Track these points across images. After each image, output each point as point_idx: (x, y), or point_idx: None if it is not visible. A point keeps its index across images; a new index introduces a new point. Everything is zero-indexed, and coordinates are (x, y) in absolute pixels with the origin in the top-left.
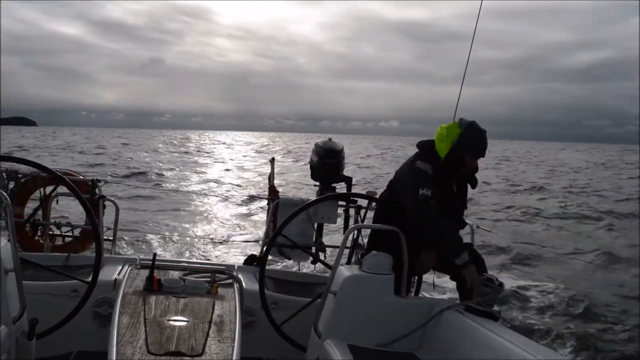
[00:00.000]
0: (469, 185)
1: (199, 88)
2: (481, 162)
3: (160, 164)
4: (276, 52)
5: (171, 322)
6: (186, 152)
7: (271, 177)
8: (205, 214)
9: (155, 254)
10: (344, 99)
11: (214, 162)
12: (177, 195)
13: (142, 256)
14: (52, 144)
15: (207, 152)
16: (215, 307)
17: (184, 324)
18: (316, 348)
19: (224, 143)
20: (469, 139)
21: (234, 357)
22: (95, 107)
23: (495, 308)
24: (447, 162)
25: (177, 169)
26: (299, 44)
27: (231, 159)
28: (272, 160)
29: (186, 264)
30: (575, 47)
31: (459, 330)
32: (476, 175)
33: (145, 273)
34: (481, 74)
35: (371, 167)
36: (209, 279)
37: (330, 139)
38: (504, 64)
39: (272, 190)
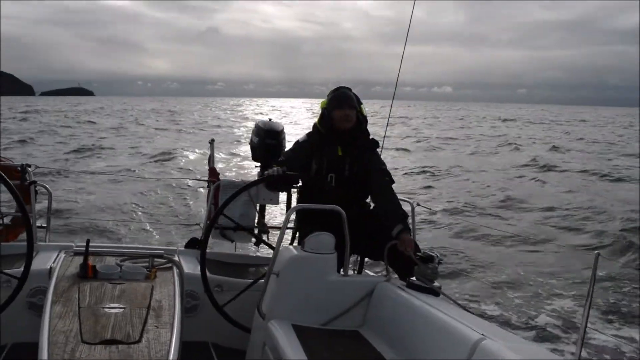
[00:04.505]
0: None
1: (247, 55)
2: None
3: None
4: (322, 17)
5: (106, 310)
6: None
7: (211, 159)
8: (147, 198)
9: (88, 240)
10: (394, 64)
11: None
12: (118, 179)
13: (80, 243)
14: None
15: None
16: (154, 293)
17: (120, 310)
18: (260, 329)
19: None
20: (331, 97)
21: (173, 342)
22: (151, 77)
23: (436, 284)
24: (321, 124)
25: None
26: (345, 9)
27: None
28: (212, 142)
29: (123, 250)
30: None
31: (401, 307)
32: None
33: (79, 260)
34: (538, 38)
35: None
36: (147, 264)
37: (270, 119)
38: (561, 26)
39: (213, 172)
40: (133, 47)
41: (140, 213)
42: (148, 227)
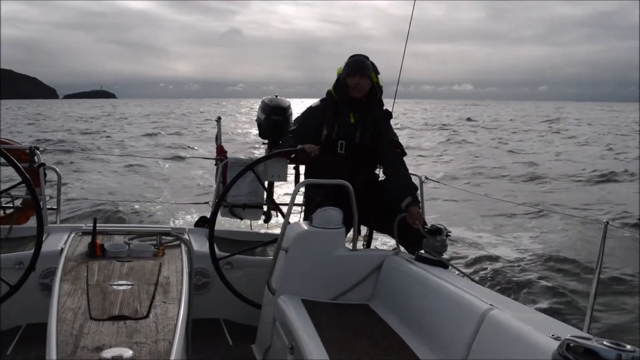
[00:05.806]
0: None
1: (267, 56)
2: None
3: None
4: (341, 17)
5: (114, 287)
6: None
7: (218, 136)
8: (155, 178)
9: (95, 219)
10: (414, 62)
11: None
12: (128, 161)
13: (89, 224)
14: None
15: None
16: (162, 270)
17: (128, 287)
18: (270, 305)
19: None
20: (346, 64)
21: (181, 317)
22: (172, 79)
23: (445, 256)
24: (335, 91)
25: None
26: (363, 8)
27: None
28: (219, 120)
29: (132, 228)
30: None
31: (410, 280)
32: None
33: (88, 239)
34: (560, 34)
35: None
36: (156, 242)
37: (277, 96)
38: (581, 21)
39: (220, 150)
40: (154, 49)
41: (151, 194)
42: (158, 207)
